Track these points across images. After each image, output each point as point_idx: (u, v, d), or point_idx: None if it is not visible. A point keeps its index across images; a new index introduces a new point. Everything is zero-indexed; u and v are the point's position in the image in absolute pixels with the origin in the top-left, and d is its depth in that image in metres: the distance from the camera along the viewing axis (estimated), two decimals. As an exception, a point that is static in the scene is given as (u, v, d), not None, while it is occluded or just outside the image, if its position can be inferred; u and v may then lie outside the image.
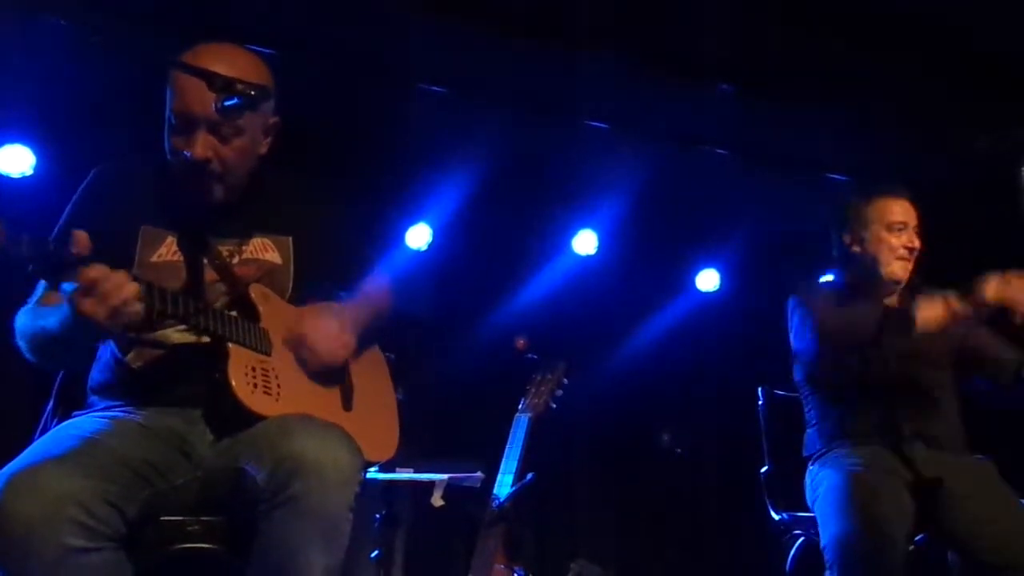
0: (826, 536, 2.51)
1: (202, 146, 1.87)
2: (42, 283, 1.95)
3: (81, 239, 1.64)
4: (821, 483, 2.66)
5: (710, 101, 4.52)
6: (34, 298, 1.95)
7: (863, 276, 2.81)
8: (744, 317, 5.25)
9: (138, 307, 1.67)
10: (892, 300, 2.81)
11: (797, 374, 2.95)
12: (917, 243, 2.77)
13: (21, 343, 1.89)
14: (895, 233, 2.76)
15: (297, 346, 1.95)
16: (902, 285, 2.80)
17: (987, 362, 2.81)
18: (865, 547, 2.39)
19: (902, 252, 2.75)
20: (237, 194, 2.01)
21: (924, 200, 2.88)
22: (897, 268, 2.76)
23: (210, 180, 1.92)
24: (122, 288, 1.64)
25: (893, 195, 2.81)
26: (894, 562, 2.37)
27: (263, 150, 2.03)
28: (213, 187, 1.93)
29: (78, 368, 1.98)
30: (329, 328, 1.99)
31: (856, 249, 2.81)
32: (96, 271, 1.63)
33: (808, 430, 2.89)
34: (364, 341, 2.12)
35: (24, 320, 1.89)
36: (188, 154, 1.87)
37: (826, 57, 4.11)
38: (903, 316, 2.53)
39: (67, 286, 1.64)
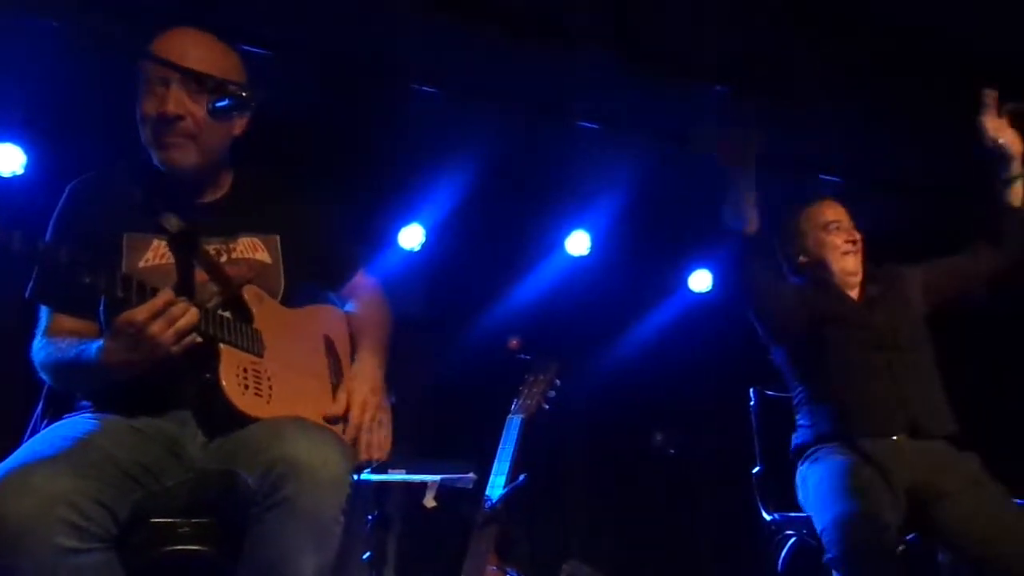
0: (822, 521, 2.54)
1: (175, 102, 1.86)
2: (44, 309, 1.96)
3: None
4: (811, 477, 2.70)
5: (703, 102, 4.52)
6: (41, 327, 1.95)
7: (821, 279, 2.93)
8: (736, 318, 5.25)
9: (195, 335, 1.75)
10: (854, 293, 2.92)
11: (776, 356, 2.99)
12: (857, 234, 2.92)
13: (45, 375, 1.91)
14: (832, 232, 2.91)
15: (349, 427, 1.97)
16: (859, 276, 2.93)
17: (956, 283, 2.94)
18: (863, 527, 2.43)
19: (846, 247, 2.90)
20: (222, 187, 2.02)
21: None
22: (847, 262, 2.91)
23: (185, 140, 1.90)
24: (186, 313, 1.72)
25: (817, 200, 2.99)
26: (890, 544, 2.42)
27: (237, 131, 2.03)
28: (189, 150, 1.91)
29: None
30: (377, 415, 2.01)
31: (805, 259, 2.95)
32: (168, 295, 1.70)
33: (796, 431, 2.91)
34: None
35: (46, 354, 1.90)
36: (162, 109, 1.86)
37: (820, 58, 4.12)
38: None
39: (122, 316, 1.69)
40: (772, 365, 3.08)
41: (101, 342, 1.76)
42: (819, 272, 2.93)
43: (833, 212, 2.95)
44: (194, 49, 1.91)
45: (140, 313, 1.69)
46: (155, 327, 1.70)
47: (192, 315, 1.74)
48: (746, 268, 2.82)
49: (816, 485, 2.65)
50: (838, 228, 2.91)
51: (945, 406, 2.78)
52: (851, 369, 2.75)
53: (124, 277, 1.73)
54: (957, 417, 2.77)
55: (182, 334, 1.73)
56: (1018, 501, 2.81)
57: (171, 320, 1.71)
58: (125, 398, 1.85)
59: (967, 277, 2.94)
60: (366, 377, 2.05)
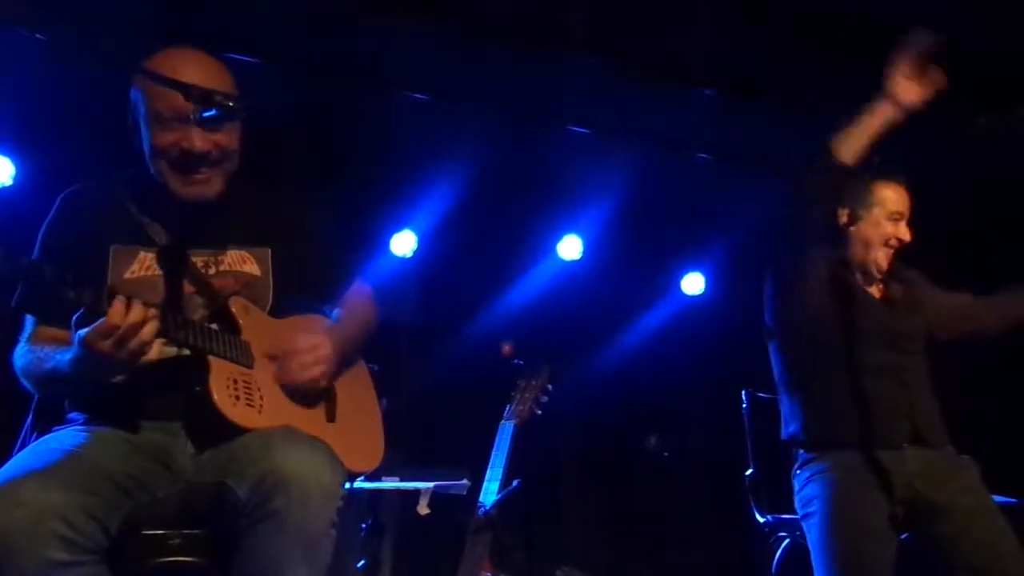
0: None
1: (200, 139, 1.87)
2: (29, 318, 1.95)
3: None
4: (812, 512, 2.62)
5: (693, 105, 4.53)
6: (25, 335, 1.94)
7: (850, 255, 2.76)
8: (729, 320, 5.27)
9: (156, 345, 1.71)
10: (874, 289, 2.79)
11: (774, 360, 2.85)
12: (908, 237, 2.74)
13: (26, 382, 1.90)
14: (892, 222, 2.72)
15: (280, 365, 1.94)
16: (884, 274, 2.77)
17: (972, 323, 2.81)
18: None
19: (893, 242, 2.72)
20: (214, 200, 2.01)
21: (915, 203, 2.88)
22: (882, 256, 2.73)
23: (211, 172, 1.91)
24: (141, 328, 1.67)
25: (896, 181, 2.77)
26: None
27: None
28: (214, 182, 1.93)
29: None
30: (312, 352, 1.97)
31: (850, 227, 2.74)
32: (115, 316, 1.64)
33: (790, 421, 2.78)
34: (349, 358, 2.12)
35: (26, 361, 1.89)
36: (187, 146, 1.86)
37: (808, 61, 4.13)
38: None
39: (80, 333, 1.66)
40: (767, 366, 2.97)
41: (73, 353, 1.73)
42: (854, 247, 2.74)
43: (902, 203, 2.75)
44: (187, 66, 1.89)
45: (97, 336, 1.64)
46: (108, 346, 1.65)
47: (152, 327, 1.69)
48: (813, 204, 2.56)
49: (813, 530, 2.58)
50: (898, 221, 2.72)
51: (941, 418, 2.70)
52: (861, 368, 2.64)
53: (109, 292, 1.72)
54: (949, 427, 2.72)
55: (146, 344, 1.68)
56: (1014, 500, 2.82)
57: (125, 340, 1.66)
58: (114, 409, 1.85)
59: (967, 322, 2.83)
60: (323, 333, 2.04)
